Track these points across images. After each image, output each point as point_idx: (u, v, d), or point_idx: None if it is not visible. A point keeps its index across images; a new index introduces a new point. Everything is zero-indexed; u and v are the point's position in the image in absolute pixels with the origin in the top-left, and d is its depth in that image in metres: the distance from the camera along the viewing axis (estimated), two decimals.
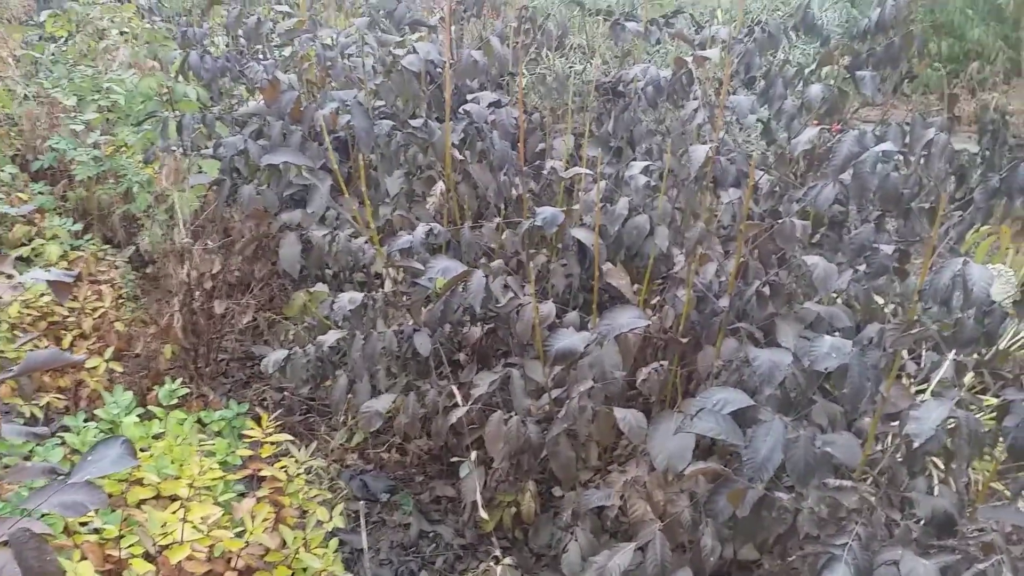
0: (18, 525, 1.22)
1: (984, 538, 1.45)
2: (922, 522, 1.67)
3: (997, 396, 2.04)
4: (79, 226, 3.49)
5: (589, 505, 2.04)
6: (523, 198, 2.81)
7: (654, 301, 2.43)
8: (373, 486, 2.74)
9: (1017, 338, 2.90)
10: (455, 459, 2.53)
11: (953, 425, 1.55)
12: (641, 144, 2.97)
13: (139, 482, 2.09)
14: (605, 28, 3.99)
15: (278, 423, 2.43)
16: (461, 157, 2.86)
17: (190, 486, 1.96)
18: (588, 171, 2.61)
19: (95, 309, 3.00)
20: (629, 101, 2.98)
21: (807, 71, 2.82)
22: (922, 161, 2.02)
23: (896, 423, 1.84)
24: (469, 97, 3.06)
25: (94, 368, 2.80)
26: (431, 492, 2.75)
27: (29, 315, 2.83)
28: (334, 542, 2.16)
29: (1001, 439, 1.68)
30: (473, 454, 2.31)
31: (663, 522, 1.88)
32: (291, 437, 2.38)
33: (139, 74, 3.69)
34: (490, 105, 2.96)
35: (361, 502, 2.65)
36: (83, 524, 1.95)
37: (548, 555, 2.45)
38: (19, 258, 3.22)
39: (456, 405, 2.35)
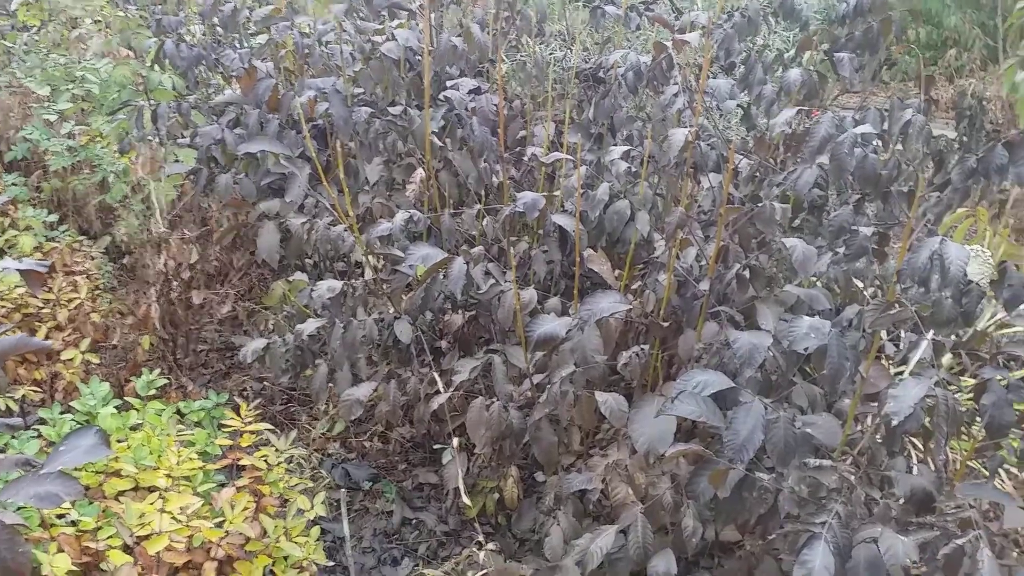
0: None
1: (962, 515, 1.46)
2: (901, 500, 1.68)
3: (975, 377, 2.05)
4: (54, 217, 3.44)
5: (571, 489, 2.04)
6: (504, 185, 2.80)
7: (635, 286, 2.43)
8: (356, 474, 2.73)
9: (994, 319, 2.93)
10: (438, 446, 2.53)
11: (931, 404, 1.56)
12: (622, 130, 2.96)
13: (117, 473, 2.06)
14: (585, 15, 3.98)
15: (258, 412, 2.41)
16: (441, 144, 2.84)
17: (168, 476, 1.94)
18: (569, 157, 2.60)
19: (71, 300, 2.96)
20: (609, 87, 2.97)
21: (787, 56, 2.81)
22: (899, 143, 2.03)
23: (875, 403, 1.86)
24: (449, 84, 3.03)
25: (70, 360, 2.77)
26: (414, 479, 2.75)
27: (3, 307, 2.79)
28: (316, 530, 2.15)
29: (978, 417, 1.69)
30: (455, 440, 2.30)
31: (645, 504, 1.88)
32: (271, 426, 2.36)
33: (114, 63, 3.64)
34: (470, 92, 2.94)
35: (343, 490, 2.64)
36: (60, 516, 1.92)
37: (531, 540, 2.45)
38: None
39: (438, 392, 2.34)
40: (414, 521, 2.58)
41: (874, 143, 2.08)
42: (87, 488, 2.07)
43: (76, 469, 2.02)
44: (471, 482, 2.46)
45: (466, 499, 2.22)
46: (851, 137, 1.88)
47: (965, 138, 2.85)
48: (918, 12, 7.13)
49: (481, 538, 2.35)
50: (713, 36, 2.80)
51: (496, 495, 2.45)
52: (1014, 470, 2.50)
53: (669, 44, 2.65)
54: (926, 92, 2.31)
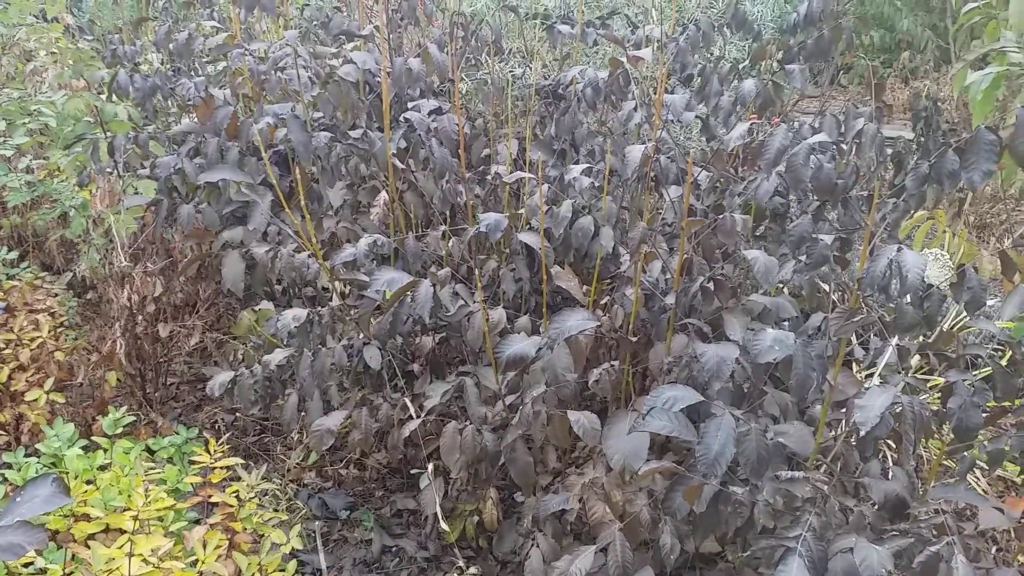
0: None
1: (935, 520, 1.47)
2: (876, 506, 1.69)
3: (943, 377, 2.08)
4: (14, 254, 3.38)
5: (549, 510, 2.03)
6: (468, 205, 2.79)
7: (604, 301, 2.43)
8: (332, 504, 2.70)
9: (959, 319, 2.97)
10: (415, 471, 2.50)
11: (900, 410, 1.57)
12: (583, 146, 2.97)
13: (86, 516, 2.02)
14: (543, 32, 3.99)
15: (230, 445, 2.38)
16: (404, 166, 2.83)
17: (135, 518, 1.90)
18: (531, 175, 2.60)
19: (33, 339, 2.90)
20: (569, 103, 2.98)
21: (741, 67, 2.85)
22: (854, 150, 2.05)
23: (845, 410, 1.87)
24: (410, 105, 3.03)
25: (34, 400, 2.71)
26: (392, 506, 2.72)
27: None
28: (293, 564, 2.12)
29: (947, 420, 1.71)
30: (431, 465, 2.29)
31: (623, 522, 1.87)
32: (240, 460, 2.33)
33: (68, 95, 3.59)
34: (431, 113, 2.93)
35: (318, 521, 2.60)
36: (27, 565, 1.88)
37: (513, 561, 2.43)
38: None
39: (410, 418, 2.32)
40: (394, 549, 2.55)
41: (831, 151, 2.11)
42: (56, 532, 2.02)
43: (45, 514, 1.98)
44: (450, 506, 2.44)
45: (444, 525, 2.20)
46: (806, 148, 1.90)
47: (922, 138, 2.88)
48: (868, 18, 7.26)
49: (462, 563, 2.34)
50: (668, 49, 2.83)
51: (476, 518, 2.43)
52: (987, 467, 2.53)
53: (624, 59, 2.67)
54: (878, 98, 2.34)
